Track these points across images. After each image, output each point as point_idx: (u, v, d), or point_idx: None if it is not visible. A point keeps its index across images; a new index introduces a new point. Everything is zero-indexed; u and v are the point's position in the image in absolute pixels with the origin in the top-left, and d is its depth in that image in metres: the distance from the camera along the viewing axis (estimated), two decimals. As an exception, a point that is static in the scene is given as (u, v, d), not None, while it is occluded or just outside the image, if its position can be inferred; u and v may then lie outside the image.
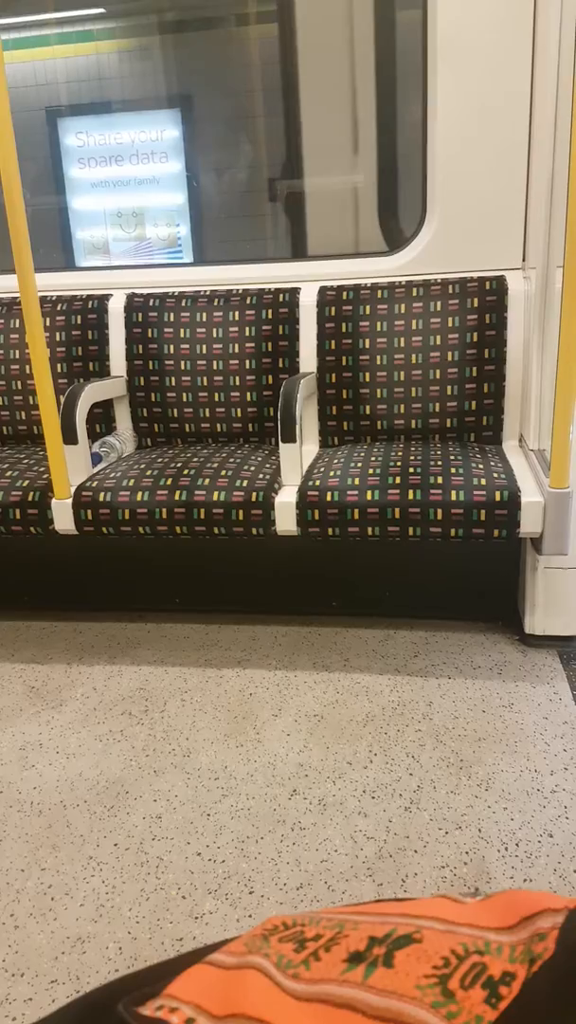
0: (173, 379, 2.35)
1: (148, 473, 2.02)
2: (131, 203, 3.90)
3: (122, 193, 3.89)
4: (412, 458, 1.97)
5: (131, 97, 4.01)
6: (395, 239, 2.81)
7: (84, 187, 3.92)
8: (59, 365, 2.41)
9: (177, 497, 1.94)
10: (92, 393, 2.18)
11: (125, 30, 3.94)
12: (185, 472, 2.00)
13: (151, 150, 3.81)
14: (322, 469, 1.98)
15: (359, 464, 1.96)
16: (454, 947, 0.32)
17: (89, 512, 1.98)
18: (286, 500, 1.91)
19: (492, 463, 1.94)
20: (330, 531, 1.88)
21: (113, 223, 3.96)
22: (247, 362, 2.31)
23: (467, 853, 1.45)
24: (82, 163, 3.87)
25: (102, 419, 2.41)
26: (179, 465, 2.05)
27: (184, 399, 2.35)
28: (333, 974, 0.32)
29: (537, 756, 1.71)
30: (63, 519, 2.02)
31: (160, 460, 2.11)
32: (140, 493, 1.96)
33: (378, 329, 2.22)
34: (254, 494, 1.91)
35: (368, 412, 2.25)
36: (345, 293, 2.25)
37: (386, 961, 0.32)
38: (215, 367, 2.32)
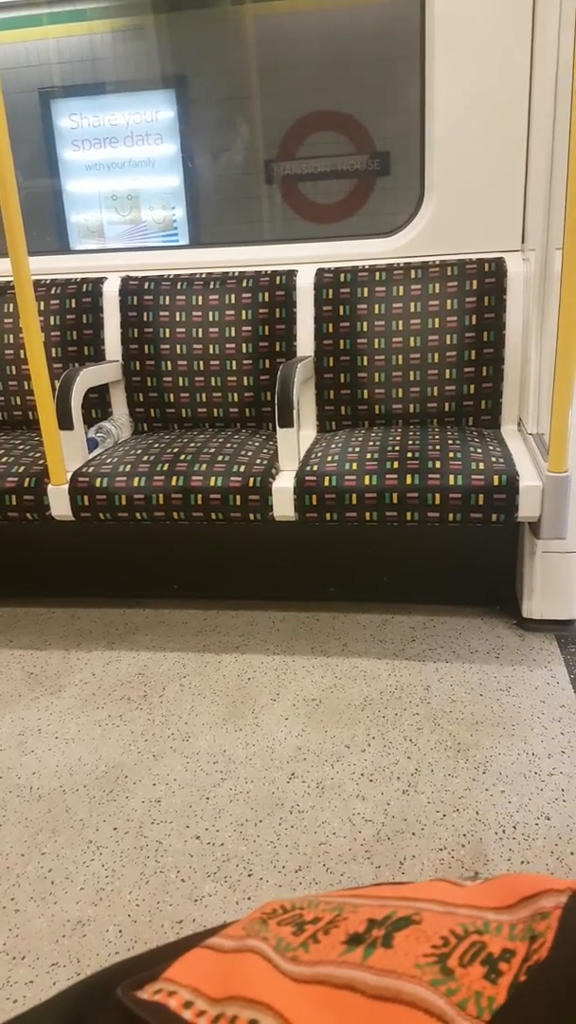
0: (169, 363, 2.34)
1: (145, 459, 2.01)
2: (126, 186, 3.86)
3: (117, 176, 3.84)
4: (410, 443, 1.97)
5: (125, 78, 3.95)
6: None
7: (78, 170, 3.88)
8: (54, 350, 2.39)
9: (174, 483, 1.93)
10: (87, 378, 2.17)
11: (118, 9, 3.88)
12: (182, 457, 1.99)
13: (146, 132, 3.76)
14: (320, 454, 1.97)
15: (357, 449, 1.96)
16: (453, 927, 0.32)
17: (86, 498, 1.97)
18: (284, 485, 1.90)
19: (490, 447, 1.93)
20: (328, 516, 1.87)
21: (108, 206, 3.92)
22: (244, 346, 2.29)
23: (465, 836, 1.46)
24: (76, 145, 3.82)
25: (98, 404, 2.40)
26: (176, 450, 2.04)
27: (180, 384, 2.34)
28: (332, 956, 0.32)
29: (534, 739, 1.71)
30: (59, 505, 2.01)
31: (157, 445, 2.10)
32: (137, 479, 1.95)
33: (376, 312, 2.20)
34: (251, 479, 1.91)
35: (366, 396, 2.24)
36: (343, 275, 2.23)
37: (385, 942, 0.31)
38: (211, 351, 2.31)
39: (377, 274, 2.21)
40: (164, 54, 3.93)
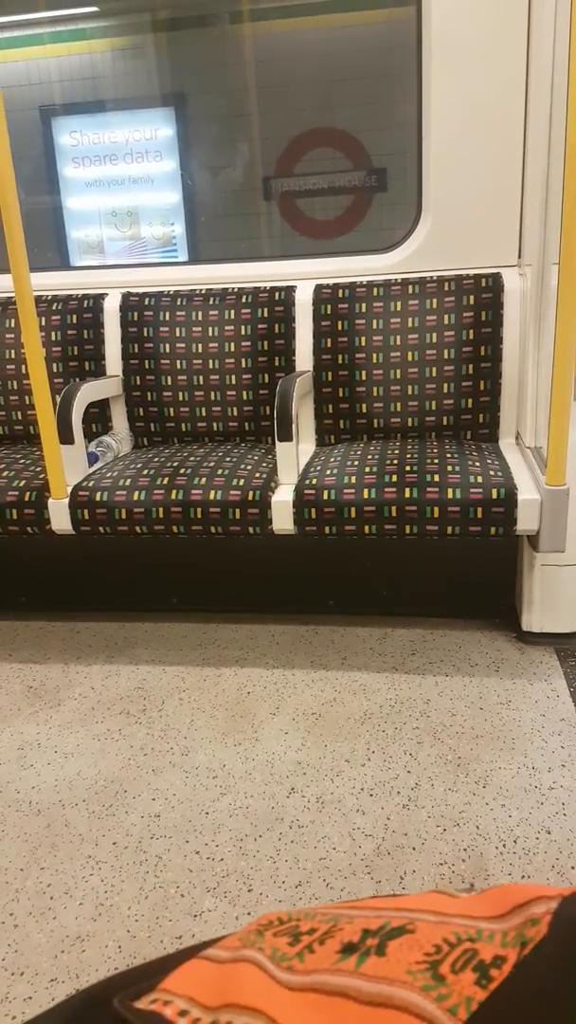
0: (169, 378, 2.35)
1: (145, 472, 2.02)
2: (126, 202, 3.90)
3: (116, 193, 3.88)
4: (408, 456, 1.97)
5: (125, 96, 4.00)
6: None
7: (79, 186, 3.92)
8: (55, 365, 2.41)
9: (174, 496, 1.94)
10: (88, 393, 2.18)
11: (118, 28, 3.94)
12: (182, 471, 2.00)
13: (145, 149, 3.81)
14: (319, 467, 1.98)
15: (356, 462, 1.97)
16: (446, 936, 0.32)
17: (86, 512, 1.98)
18: (283, 499, 1.91)
19: (489, 461, 1.94)
20: (327, 529, 1.88)
21: (108, 222, 3.96)
22: (243, 361, 2.31)
23: (465, 850, 1.46)
24: (76, 162, 3.86)
25: (98, 419, 2.41)
26: (175, 464, 2.05)
27: (180, 398, 2.35)
28: (326, 964, 0.32)
29: (535, 753, 1.71)
30: (60, 519, 2.01)
31: (157, 459, 2.11)
32: (137, 492, 1.96)
33: (374, 327, 2.22)
34: (251, 493, 1.91)
35: (364, 410, 2.25)
36: (341, 291, 2.25)
37: (379, 950, 0.32)
38: (211, 366, 2.32)
39: (375, 290, 2.23)
40: (163, 73, 3.98)
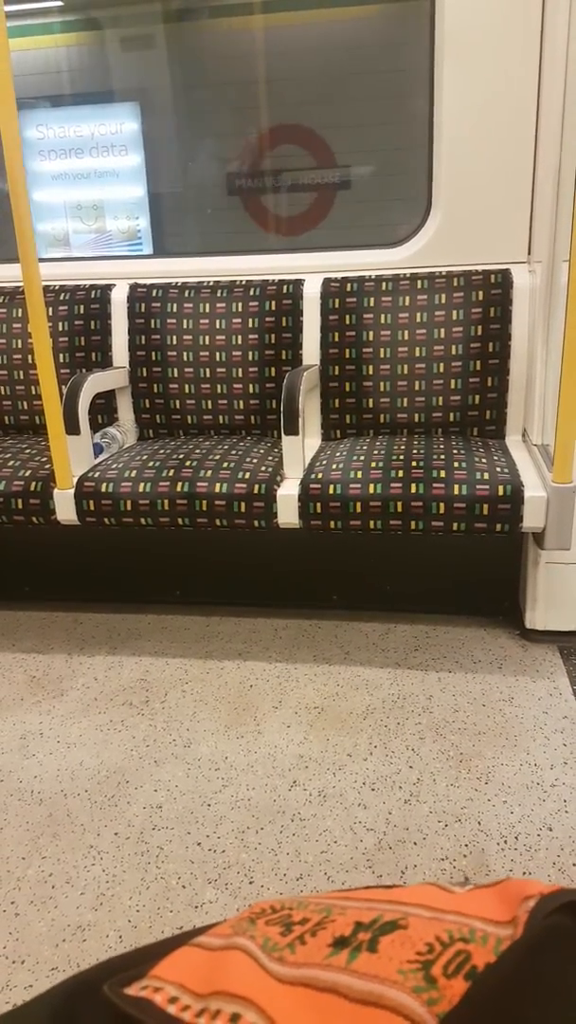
0: (175, 370, 2.35)
1: (150, 464, 2.02)
2: (91, 196, 3.91)
3: (82, 186, 3.89)
4: (415, 452, 1.97)
5: (91, 90, 4.01)
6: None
7: (45, 180, 3.92)
8: (61, 355, 2.40)
9: (179, 488, 1.93)
10: (94, 384, 2.18)
11: (84, 23, 3.94)
12: (187, 464, 2.00)
13: (111, 143, 3.81)
14: (324, 462, 1.98)
15: (361, 457, 1.96)
16: (439, 934, 0.32)
17: (91, 502, 1.98)
18: (288, 493, 1.91)
19: (495, 457, 1.94)
20: (332, 524, 1.88)
21: (73, 216, 3.96)
22: (250, 354, 2.30)
23: (466, 846, 1.46)
24: (42, 155, 3.87)
25: (104, 410, 2.41)
26: (181, 456, 2.05)
27: (186, 391, 2.35)
28: (317, 958, 0.32)
29: (537, 750, 1.71)
30: (65, 509, 2.02)
31: (162, 451, 2.11)
32: (142, 484, 1.96)
33: (382, 322, 2.21)
34: (256, 486, 1.91)
35: (371, 405, 2.24)
36: (349, 285, 2.24)
37: (371, 946, 0.32)
38: (217, 359, 2.32)
39: (383, 284, 2.22)
40: (129, 67, 3.99)
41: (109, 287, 2.41)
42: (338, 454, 2.02)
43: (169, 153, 4.06)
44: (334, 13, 3.70)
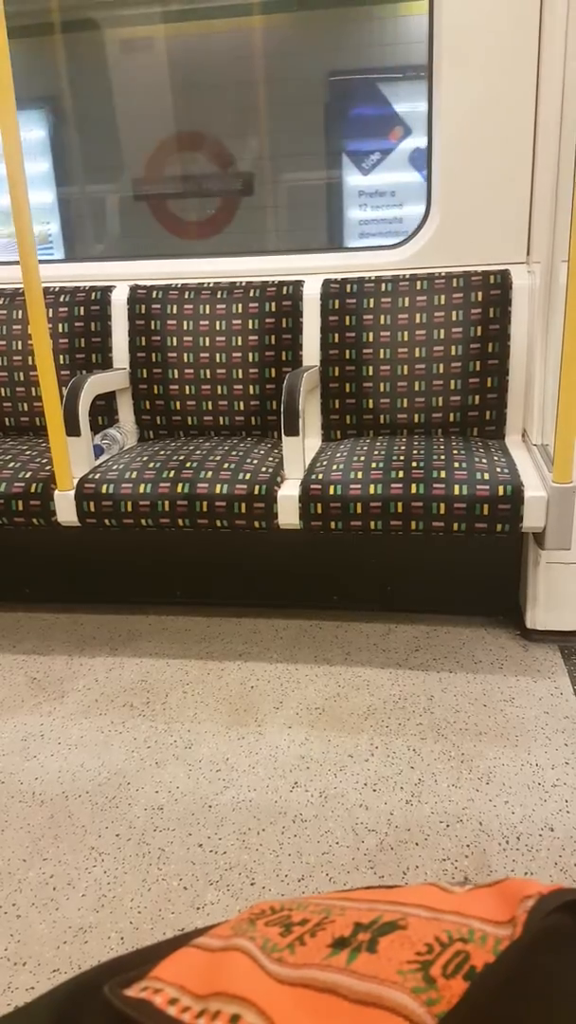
0: (175, 372, 2.35)
1: (151, 465, 2.02)
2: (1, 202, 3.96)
3: None
4: (415, 452, 1.97)
5: None
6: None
7: None
8: (62, 357, 2.40)
9: (180, 490, 1.94)
10: (95, 385, 2.18)
11: None
12: (188, 465, 2.00)
13: None
14: (325, 463, 1.98)
15: (362, 458, 1.96)
16: (438, 934, 0.32)
17: (92, 504, 1.98)
18: (289, 493, 1.91)
19: (495, 457, 1.94)
20: (332, 525, 1.88)
21: None
22: (250, 355, 2.30)
23: (468, 846, 1.46)
24: None
25: (104, 411, 2.41)
26: (181, 458, 2.05)
27: (186, 392, 2.35)
28: (317, 959, 0.32)
29: (538, 750, 1.71)
30: (66, 511, 2.02)
31: (163, 453, 2.11)
32: (143, 485, 1.96)
33: (381, 323, 2.21)
34: (257, 487, 1.91)
35: (371, 406, 2.25)
36: (349, 286, 2.24)
37: (370, 947, 0.32)
38: (218, 360, 2.32)
39: (383, 285, 2.23)
40: (35, 75, 4.01)
41: (109, 288, 2.41)
42: (338, 455, 2.02)
43: (76, 160, 4.12)
44: (238, 23, 3.78)
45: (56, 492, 2.02)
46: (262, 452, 2.10)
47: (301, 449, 1.97)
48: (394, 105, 3.86)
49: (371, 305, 2.22)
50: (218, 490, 1.92)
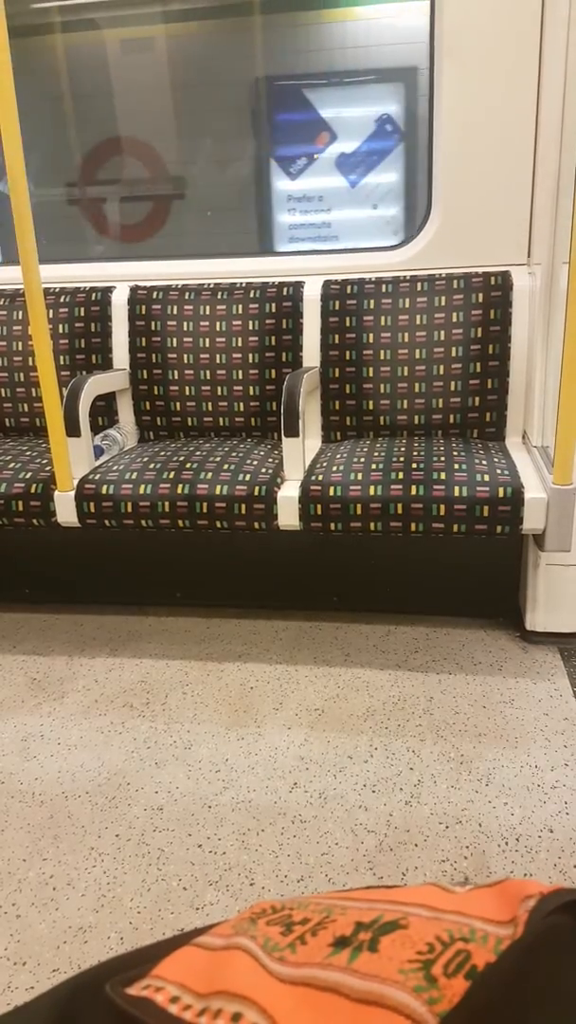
0: (176, 372, 2.35)
1: (151, 466, 2.02)
2: None
3: None
4: (415, 453, 1.97)
5: None
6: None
7: None
8: (62, 357, 2.41)
9: (180, 490, 1.94)
10: (95, 386, 2.18)
11: None
12: (188, 466, 2.00)
13: None
14: (325, 464, 1.98)
15: (362, 459, 1.96)
16: (439, 933, 0.32)
17: (92, 504, 1.98)
18: (288, 495, 1.91)
19: (495, 459, 1.94)
20: (332, 526, 1.88)
21: None
22: (250, 356, 2.30)
23: (467, 847, 1.46)
24: None
25: (104, 412, 2.41)
26: (182, 459, 2.05)
27: (187, 393, 2.35)
28: (318, 958, 0.32)
29: (538, 752, 1.71)
30: (66, 511, 2.02)
31: (163, 453, 2.11)
32: (143, 486, 1.96)
33: (382, 324, 2.21)
34: (257, 488, 1.91)
35: (371, 407, 2.25)
36: (349, 287, 2.24)
37: (371, 946, 0.32)
38: (218, 361, 2.32)
39: (383, 286, 2.23)
40: None
41: (109, 289, 2.41)
42: (338, 456, 2.02)
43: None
44: (169, 29, 3.82)
45: (56, 493, 2.02)
46: (262, 453, 2.10)
47: (301, 450, 1.97)
48: (320, 110, 3.88)
49: (371, 306, 2.22)
50: (218, 491, 1.92)
